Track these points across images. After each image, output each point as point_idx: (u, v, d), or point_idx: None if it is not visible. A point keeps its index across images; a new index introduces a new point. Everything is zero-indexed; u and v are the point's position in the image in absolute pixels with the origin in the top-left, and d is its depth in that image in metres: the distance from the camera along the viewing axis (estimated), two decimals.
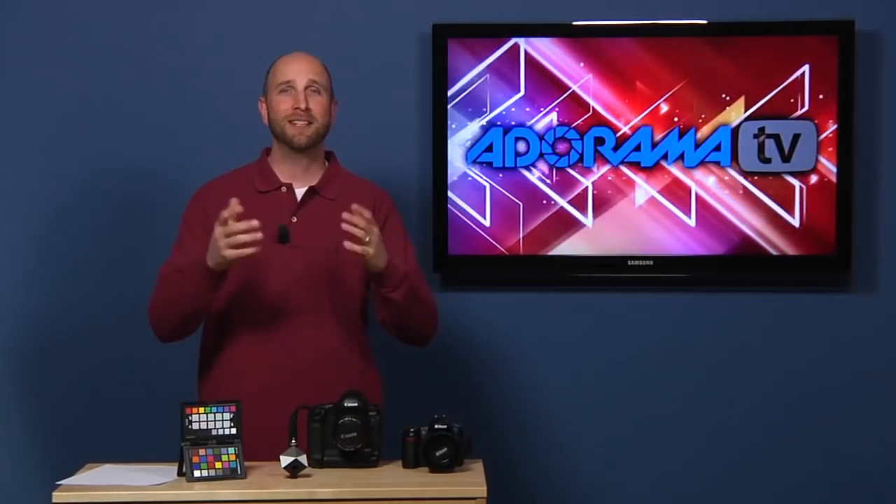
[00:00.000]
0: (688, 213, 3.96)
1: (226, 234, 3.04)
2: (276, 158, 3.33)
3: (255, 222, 3.05)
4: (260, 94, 3.35)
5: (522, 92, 3.95)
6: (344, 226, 3.08)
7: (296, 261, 3.23)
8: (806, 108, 3.93)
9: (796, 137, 3.93)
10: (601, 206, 3.97)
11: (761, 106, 3.93)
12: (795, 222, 3.95)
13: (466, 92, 3.95)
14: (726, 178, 3.95)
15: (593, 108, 3.95)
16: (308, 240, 3.25)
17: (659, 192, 3.96)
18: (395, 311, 3.21)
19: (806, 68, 3.92)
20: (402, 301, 3.19)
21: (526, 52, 3.94)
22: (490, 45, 3.94)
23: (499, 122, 3.96)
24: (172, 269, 3.20)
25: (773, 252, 3.95)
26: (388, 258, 3.13)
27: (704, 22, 3.94)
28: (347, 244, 3.07)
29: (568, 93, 3.95)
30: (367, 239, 3.07)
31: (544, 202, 3.97)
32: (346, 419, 3.01)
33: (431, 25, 3.94)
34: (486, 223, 3.98)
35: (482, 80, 3.95)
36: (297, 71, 3.26)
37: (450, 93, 3.94)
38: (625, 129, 3.94)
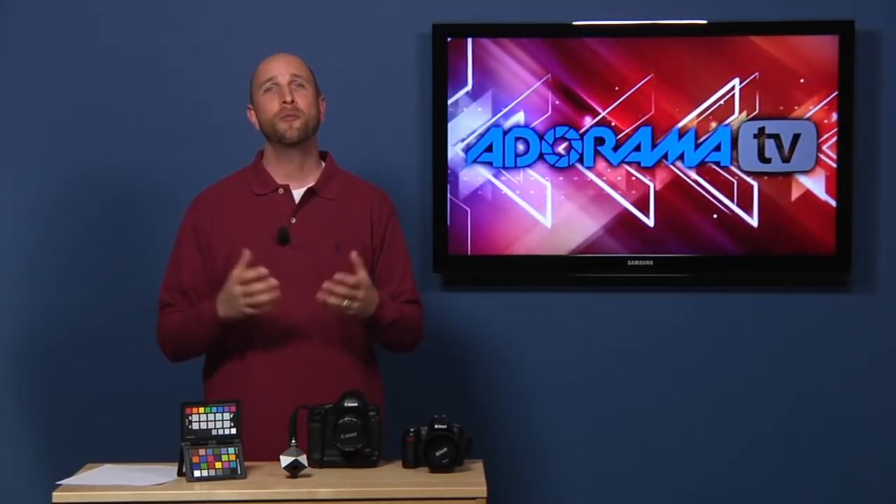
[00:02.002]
0: (687, 214, 3.96)
1: (245, 294, 3.07)
2: (271, 160, 3.33)
3: (273, 281, 3.07)
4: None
5: (523, 92, 3.95)
6: (320, 295, 3.10)
7: (296, 262, 3.23)
8: (806, 107, 3.93)
9: (796, 137, 3.93)
10: (601, 206, 3.97)
11: (761, 106, 3.93)
12: (795, 222, 3.95)
13: (466, 92, 3.95)
14: (726, 178, 3.95)
15: (593, 108, 3.95)
16: (308, 240, 3.25)
17: (659, 192, 3.96)
18: (379, 339, 3.29)
19: (806, 68, 3.92)
20: (387, 339, 3.28)
21: (527, 52, 3.94)
22: (490, 45, 3.94)
23: (499, 122, 3.96)
24: (180, 317, 3.22)
25: (773, 252, 3.95)
26: (375, 307, 3.17)
27: (704, 22, 3.94)
28: (332, 299, 3.10)
29: (568, 93, 3.95)
30: (347, 303, 3.11)
31: (544, 202, 3.97)
32: (346, 419, 3.01)
33: (431, 25, 3.94)
34: (486, 223, 3.97)
35: (482, 79, 3.95)
36: (279, 68, 3.27)
37: (449, 92, 3.94)
38: (625, 129, 3.95)
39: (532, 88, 3.95)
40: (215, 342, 3.21)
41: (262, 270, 3.07)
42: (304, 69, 3.31)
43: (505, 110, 3.96)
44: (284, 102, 3.24)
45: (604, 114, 3.94)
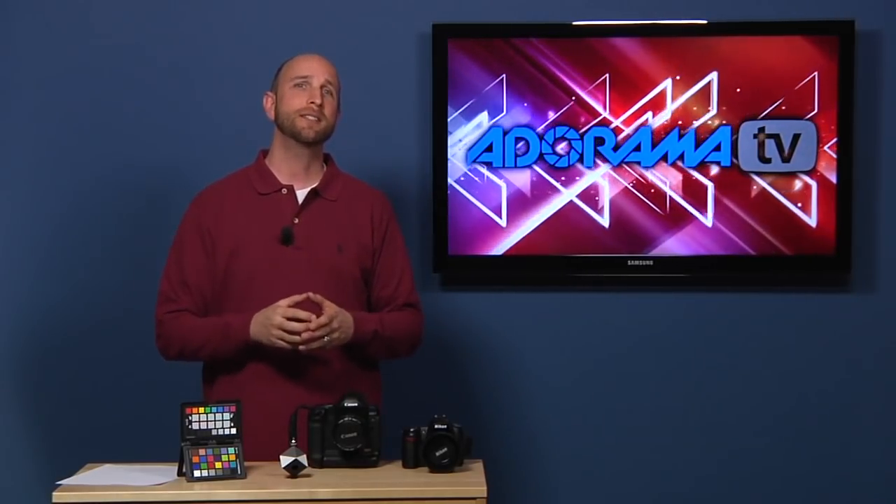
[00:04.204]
0: (688, 214, 3.96)
1: (282, 327, 3.09)
2: (277, 157, 3.33)
3: (312, 323, 3.08)
4: (264, 89, 3.35)
5: (522, 92, 3.95)
6: (303, 349, 3.12)
7: (299, 262, 3.23)
8: (806, 108, 3.93)
9: (796, 137, 3.94)
10: (600, 206, 3.97)
11: (761, 106, 3.93)
12: (795, 222, 3.95)
13: (466, 92, 3.95)
14: (726, 178, 3.95)
15: (593, 108, 3.95)
16: (310, 241, 3.25)
17: (659, 192, 3.96)
18: (368, 354, 3.28)
19: (806, 68, 3.92)
20: (376, 352, 3.28)
21: (526, 52, 3.94)
22: (490, 46, 3.94)
23: (499, 122, 3.96)
24: (199, 325, 3.21)
25: (774, 252, 3.95)
26: (353, 328, 3.17)
27: (704, 22, 3.94)
28: (303, 348, 3.12)
29: (568, 93, 3.95)
30: (327, 339, 3.12)
31: (544, 202, 3.97)
32: (346, 419, 3.01)
33: (431, 25, 3.94)
34: (486, 223, 3.97)
35: (482, 79, 3.95)
36: (315, 69, 3.28)
37: (450, 93, 3.94)
38: (626, 129, 3.95)
39: (532, 88, 3.95)
40: (231, 357, 3.21)
41: (312, 316, 3.09)
42: (337, 79, 3.32)
43: (505, 110, 3.96)
44: (311, 102, 3.24)
45: (597, 108, 3.95)
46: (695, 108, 3.94)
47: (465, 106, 3.95)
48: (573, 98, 3.95)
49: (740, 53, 3.92)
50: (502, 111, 3.96)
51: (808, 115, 3.93)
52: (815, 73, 3.91)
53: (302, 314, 3.09)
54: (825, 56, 3.91)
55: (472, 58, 3.94)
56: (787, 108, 3.93)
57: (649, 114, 3.94)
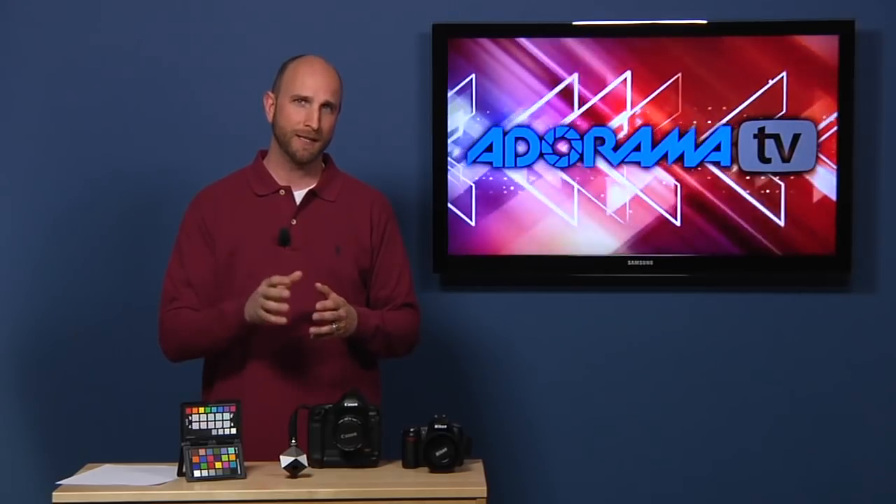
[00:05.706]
0: (688, 214, 3.96)
1: (264, 295, 3.07)
2: (274, 161, 3.32)
3: (286, 293, 3.06)
4: (264, 90, 3.33)
5: (523, 92, 3.95)
6: (313, 330, 3.11)
7: (296, 263, 3.22)
8: (806, 108, 3.93)
9: (796, 137, 3.94)
10: (601, 206, 3.97)
11: (761, 106, 3.93)
12: (795, 222, 3.95)
13: (466, 92, 3.95)
14: (726, 178, 3.95)
15: (593, 108, 3.95)
16: (308, 242, 3.25)
17: (658, 192, 3.96)
18: (369, 349, 3.27)
19: (806, 68, 3.92)
20: (377, 349, 3.27)
21: (526, 52, 3.94)
22: (490, 45, 3.94)
23: (499, 122, 3.96)
24: (196, 316, 3.21)
25: (773, 252, 3.95)
26: (358, 319, 3.17)
27: (704, 22, 3.94)
28: (313, 329, 3.11)
29: (567, 93, 3.95)
30: (335, 326, 3.12)
31: (544, 202, 3.97)
32: (346, 419, 3.01)
33: (431, 25, 3.94)
34: (486, 223, 3.97)
35: (482, 79, 3.95)
36: (318, 87, 3.23)
37: (450, 93, 3.95)
38: (625, 129, 3.95)
39: (533, 89, 3.95)
40: (229, 345, 3.20)
41: (296, 275, 3.07)
42: (339, 92, 3.28)
43: (505, 110, 3.96)
44: (308, 125, 3.22)
45: (592, 107, 3.96)
46: (695, 108, 3.94)
47: (466, 105, 3.95)
48: (572, 98, 3.95)
49: (740, 53, 3.92)
50: (501, 110, 3.95)
51: (808, 115, 3.92)
52: (816, 73, 3.91)
53: (283, 279, 3.06)
54: (825, 56, 3.91)
55: (473, 56, 3.94)
56: (787, 108, 3.93)
57: (650, 114, 3.94)
